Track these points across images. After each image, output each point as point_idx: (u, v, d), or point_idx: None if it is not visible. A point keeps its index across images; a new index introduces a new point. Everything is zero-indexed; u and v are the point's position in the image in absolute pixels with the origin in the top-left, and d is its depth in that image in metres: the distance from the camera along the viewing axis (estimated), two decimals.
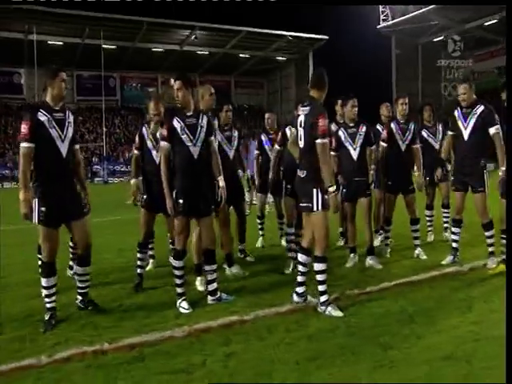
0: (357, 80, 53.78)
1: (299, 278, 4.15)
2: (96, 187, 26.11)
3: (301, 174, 4.07)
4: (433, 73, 47.87)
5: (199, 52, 46.96)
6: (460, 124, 5.26)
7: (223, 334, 3.57)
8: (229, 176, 4.77)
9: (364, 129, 5.53)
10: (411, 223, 6.06)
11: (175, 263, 4.25)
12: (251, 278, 5.22)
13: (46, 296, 3.94)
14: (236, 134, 5.59)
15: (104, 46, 38.57)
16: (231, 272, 5.35)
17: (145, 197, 4.95)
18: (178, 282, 4.25)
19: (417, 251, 5.95)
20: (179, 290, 4.25)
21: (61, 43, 40.24)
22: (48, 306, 3.92)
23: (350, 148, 5.51)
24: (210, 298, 4.33)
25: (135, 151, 5.14)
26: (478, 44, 45.40)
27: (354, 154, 5.50)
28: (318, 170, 3.89)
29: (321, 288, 3.98)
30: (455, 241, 5.51)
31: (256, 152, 6.61)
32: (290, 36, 46.81)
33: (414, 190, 5.93)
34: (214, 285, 4.32)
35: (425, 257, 5.85)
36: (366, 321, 3.72)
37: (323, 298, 3.97)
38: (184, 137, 4.16)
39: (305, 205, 4.02)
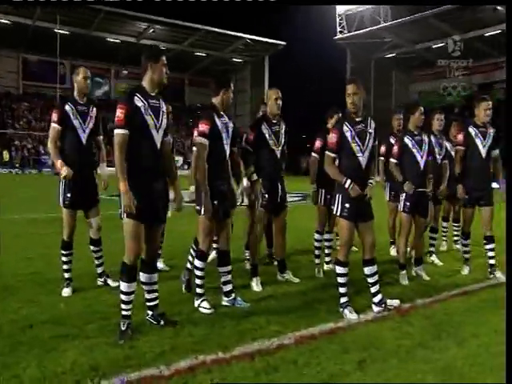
0: (310, 88, 54.98)
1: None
2: (45, 178, 24.68)
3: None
4: (385, 88, 50.06)
5: (162, 47, 45.75)
6: (478, 141, 5.43)
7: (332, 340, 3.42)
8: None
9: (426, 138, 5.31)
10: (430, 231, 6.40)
11: (199, 264, 4.13)
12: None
13: (124, 302, 3.50)
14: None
15: (57, 30, 36.48)
16: (283, 278, 5.16)
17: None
18: (200, 282, 4.13)
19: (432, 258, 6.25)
20: (200, 291, 4.11)
21: (8, 22, 37.48)
22: (125, 313, 3.50)
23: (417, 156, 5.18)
24: (225, 299, 4.20)
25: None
26: (423, 64, 48.04)
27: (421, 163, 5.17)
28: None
29: (341, 290, 4.10)
30: (467, 252, 5.74)
31: None
32: (249, 39, 47.03)
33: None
34: (229, 286, 4.20)
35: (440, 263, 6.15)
36: None
37: (342, 300, 4.09)
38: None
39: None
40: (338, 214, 4.09)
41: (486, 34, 39.96)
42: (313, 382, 2.82)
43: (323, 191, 5.39)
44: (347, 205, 4.04)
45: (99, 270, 4.79)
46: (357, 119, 4.08)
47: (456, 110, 45.79)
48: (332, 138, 4.10)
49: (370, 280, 4.17)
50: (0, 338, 3.35)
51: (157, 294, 3.71)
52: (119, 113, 3.35)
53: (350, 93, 4.04)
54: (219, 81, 4.24)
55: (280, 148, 4.95)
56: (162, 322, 3.63)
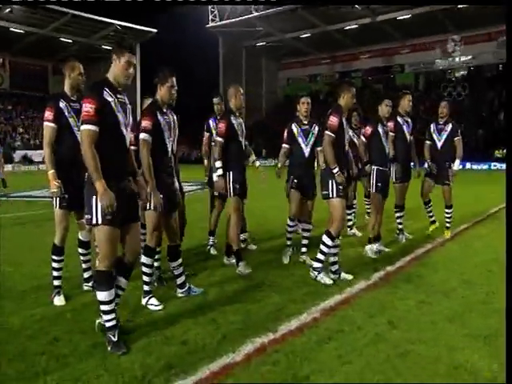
0: (184, 76, 54.28)
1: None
2: None
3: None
4: (255, 75, 51.96)
5: (13, 29, 41.11)
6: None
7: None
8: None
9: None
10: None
11: (146, 260, 4.09)
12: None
13: (108, 312, 3.23)
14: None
15: None
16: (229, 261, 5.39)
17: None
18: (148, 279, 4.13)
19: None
20: (147, 288, 4.10)
21: None
22: (111, 324, 3.23)
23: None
24: (179, 291, 4.27)
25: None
26: (291, 53, 50.97)
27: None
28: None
29: (319, 256, 4.69)
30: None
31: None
32: (118, 25, 44.85)
33: None
34: (182, 278, 4.29)
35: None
36: None
37: (316, 264, 4.68)
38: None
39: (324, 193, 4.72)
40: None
41: (346, 28, 43.70)
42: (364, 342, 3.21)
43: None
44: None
45: (86, 275, 4.51)
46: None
47: (321, 97, 49.74)
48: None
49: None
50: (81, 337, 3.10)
51: (118, 299, 3.45)
52: (89, 108, 3.11)
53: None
54: (159, 76, 4.13)
55: (244, 139, 5.22)
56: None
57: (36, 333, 3.43)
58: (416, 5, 37.02)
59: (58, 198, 4.04)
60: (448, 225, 6.87)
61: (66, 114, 4.08)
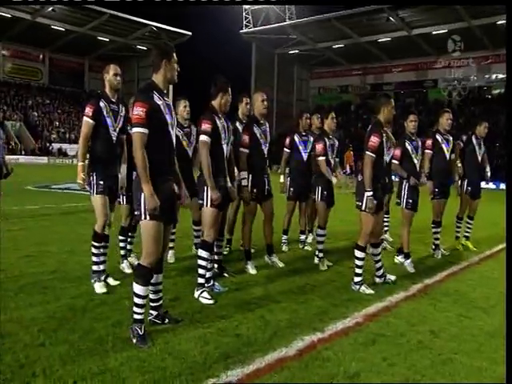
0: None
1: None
2: None
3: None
4: (286, 83, 52.26)
5: (54, 27, 42.52)
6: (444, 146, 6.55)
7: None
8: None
9: None
10: None
11: (204, 254, 4.31)
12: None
13: (139, 306, 3.36)
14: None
15: None
16: (271, 260, 5.67)
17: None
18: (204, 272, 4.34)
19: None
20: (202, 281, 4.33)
21: None
22: (140, 317, 3.36)
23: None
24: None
25: None
26: (324, 63, 51.11)
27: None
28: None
29: (356, 270, 4.80)
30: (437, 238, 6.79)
31: None
32: (154, 26, 45.86)
33: None
34: (209, 273, 4.48)
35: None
36: None
37: (356, 278, 4.78)
38: None
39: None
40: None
41: (379, 40, 43.65)
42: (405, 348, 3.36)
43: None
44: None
45: (96, 268, 4.56)
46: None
47: (352, 108, 49.70)
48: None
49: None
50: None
51: (161, 294, 3.66)
52: (140, 111, 3.24)
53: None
54: (218, 84, 4.38)
55: (267, 145, 5.41)
56: (167, 321, 3.60)
57: (98, 316, 3.71)
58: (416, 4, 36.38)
59: (94, 185, 4.30)
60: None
61: (105, 113, 4.36)
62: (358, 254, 4.82)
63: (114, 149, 4.48)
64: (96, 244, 4.44)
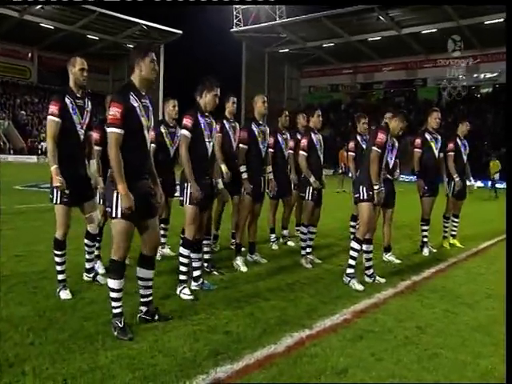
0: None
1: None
2: None
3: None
4: (277, 82, 52.27)
5: (42, 25, 42.14)
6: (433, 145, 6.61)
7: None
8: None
9: None
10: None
11: (184, 252, 4.39)
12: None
13: (116, 300, 3.42)
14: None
15: None
16: (253, 259, 5.75)
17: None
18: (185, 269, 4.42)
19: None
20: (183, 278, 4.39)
21: None
22: (118, 311, 3.42)
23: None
24: (193, 283, 4.52)
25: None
26: (314, 62, 51.19)
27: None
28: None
29: (350, 262, 4.89)
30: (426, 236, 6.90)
31: None
32: (144, 25, 45.63)
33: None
34: (199, 272, 4.58)
35: None
36: None
37: (349, 270, 4.88)
38: None
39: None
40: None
41: (369, 39, 43.87)
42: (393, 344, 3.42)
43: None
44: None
45: (88, 266, 4.62)
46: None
47: (343, 107, 49.89)
48: None
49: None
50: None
51: (151, 290, 3.68)
52: (115, 111, 3.25)
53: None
54: (204, 83, 4.39)
55: (265, 146, 5.54)
56: (156, 317, 3.62)
57: (88, 315, 3.72)
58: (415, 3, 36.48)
59: (58, 193, 4.01)
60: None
61: (71, 110, 4.05)
62: (354, 245, 4.91)
63: (81, 147, 4.24)
64: (57, 252, 4.18)
